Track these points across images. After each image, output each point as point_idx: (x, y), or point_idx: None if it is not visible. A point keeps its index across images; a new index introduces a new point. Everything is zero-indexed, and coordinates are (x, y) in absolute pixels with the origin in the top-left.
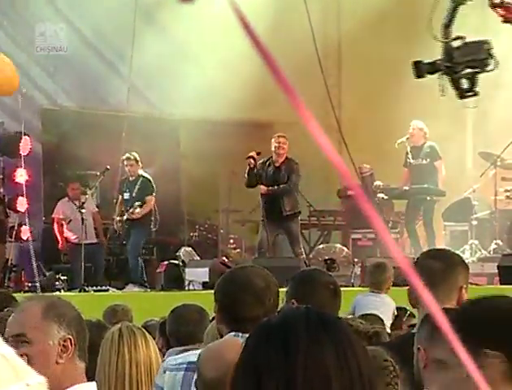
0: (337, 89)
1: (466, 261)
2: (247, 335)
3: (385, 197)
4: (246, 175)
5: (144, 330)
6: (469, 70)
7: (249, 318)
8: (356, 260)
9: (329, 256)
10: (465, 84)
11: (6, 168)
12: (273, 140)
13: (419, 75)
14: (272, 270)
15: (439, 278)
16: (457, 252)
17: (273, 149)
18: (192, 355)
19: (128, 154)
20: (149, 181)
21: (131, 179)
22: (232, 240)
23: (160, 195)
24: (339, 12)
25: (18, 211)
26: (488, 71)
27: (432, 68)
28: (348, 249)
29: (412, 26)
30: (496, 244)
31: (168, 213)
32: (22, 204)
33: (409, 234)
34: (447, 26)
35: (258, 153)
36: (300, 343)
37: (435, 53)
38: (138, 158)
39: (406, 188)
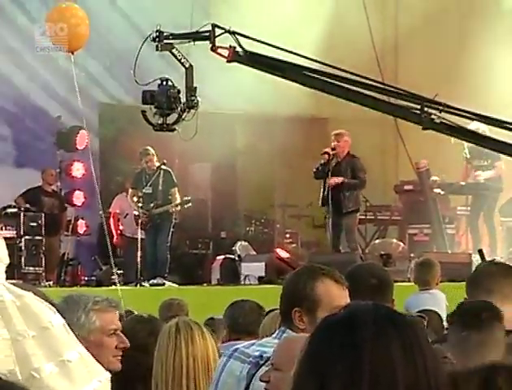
0: (394, 84)
1: None
2: (285, 330)
3: (442, 193)
4: (317, 168)
5: (200, 324)
6: (165, 110)
7: (281, 313)
8: (412, 255)
9: (385, 251)
10: (159, 119)
11: (63, 162)
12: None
13: (144, 103)
14: (328, 266)
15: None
16: None
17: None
18: (241, 343)
19: (143, 149)
20: (170, 173)
21: (149, 172)
22: (288, 235)
23: (217, 190)
24: (397, 8)
25: (74, 205)
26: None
27: (152, 99)
28: (404, 244)
29: (471, 17)
30: None
31: (225, 207)
32: (78, 198)
33: (472, 230)
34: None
35: (333, 149)
36: (367, 336)
37: (495, 43)
38: (152, 151)
39: (463, 183)
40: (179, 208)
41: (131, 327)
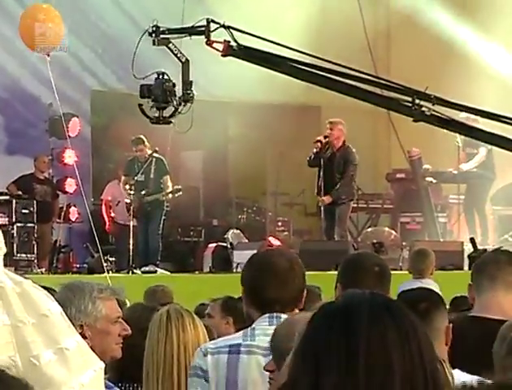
0: (386, 73)
1: None
2: (280, 316)
3: (434, 181)
4: (310, 157)
5: (191, 312)
6: (161, 103)
7: (274, 300)
8: (404, 243)
9: (377, 239)
10: (156, 112)
11: (55, 149)
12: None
13: (142, 96)
14: (320, 254)
15: None
16: (506, 236)
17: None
18: (231, 339)
19: (136, 138)
20: (163, 161)
21: (141, 159)
22: (280, 223)
23: (208, 178)
24: None
25: (67, 192)
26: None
27: (149, 93)
28: (396, 232)
29: (464, 5)
30: None
31: (217, 195)
32: (71, 185)
33: (467, 218)
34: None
35: (326, 137)
36: (363, 325)
37: (489, 30)
38: (144, 139)
39: (455, 172)
40: (170, 196)
41: (137, 315)
